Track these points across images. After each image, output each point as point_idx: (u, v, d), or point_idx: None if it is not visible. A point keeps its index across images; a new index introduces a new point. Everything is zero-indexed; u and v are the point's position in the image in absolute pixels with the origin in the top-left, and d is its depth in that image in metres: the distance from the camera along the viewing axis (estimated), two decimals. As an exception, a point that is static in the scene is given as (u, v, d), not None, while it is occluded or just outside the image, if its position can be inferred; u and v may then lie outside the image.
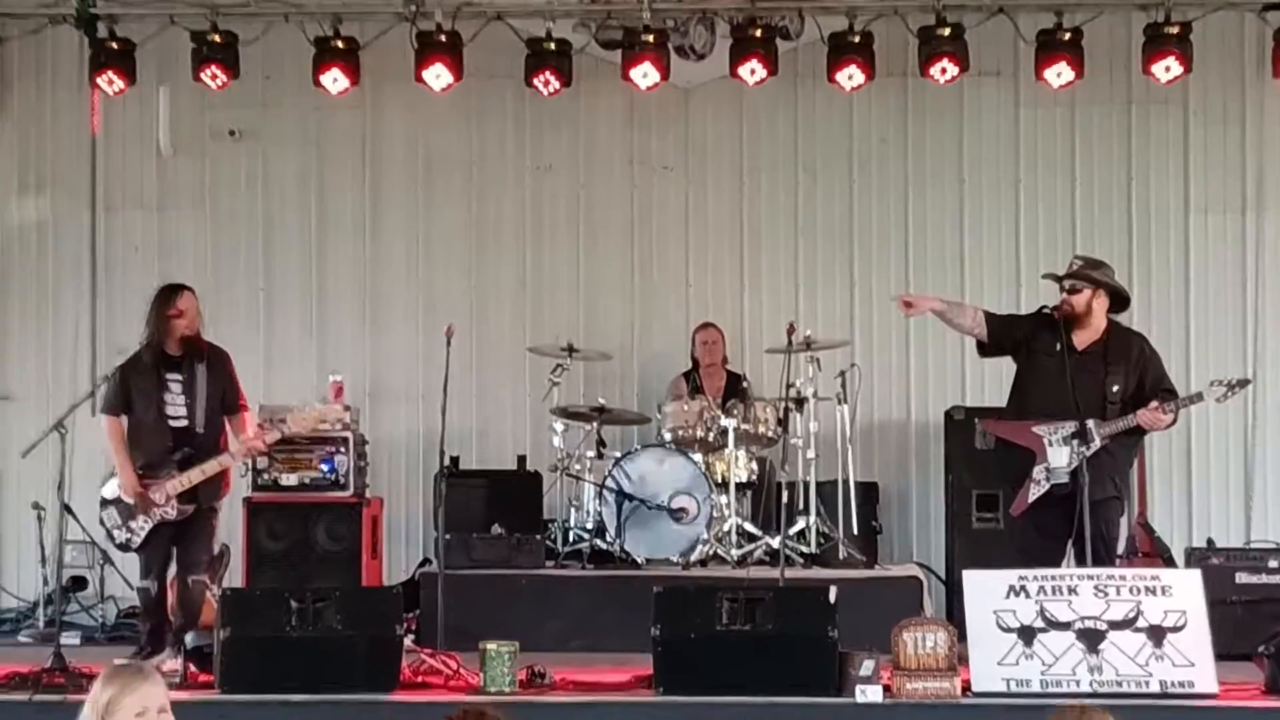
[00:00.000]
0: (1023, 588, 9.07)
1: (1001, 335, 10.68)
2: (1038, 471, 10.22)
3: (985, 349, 10.87)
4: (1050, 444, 10.18)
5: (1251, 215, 13.69)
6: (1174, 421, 10.49)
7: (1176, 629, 8.93)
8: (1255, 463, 13.48)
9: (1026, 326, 10.66)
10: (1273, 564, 11.09)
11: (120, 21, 13.11)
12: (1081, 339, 10.39)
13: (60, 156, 13.98)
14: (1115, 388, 10.28)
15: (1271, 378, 13.58)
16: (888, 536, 13.34)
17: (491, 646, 9.09)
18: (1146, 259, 13.70)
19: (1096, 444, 10.04)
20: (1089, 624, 8.94)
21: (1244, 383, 10.60)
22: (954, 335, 13.23)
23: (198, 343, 10.71)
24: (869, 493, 13.00)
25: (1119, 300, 10.64)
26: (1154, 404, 10.21)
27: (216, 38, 12.88)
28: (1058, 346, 10.29)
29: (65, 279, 13.88)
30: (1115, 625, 8.93)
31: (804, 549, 11.98)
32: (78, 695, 8.90)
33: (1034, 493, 10.22)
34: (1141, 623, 8.94)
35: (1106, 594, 9.03)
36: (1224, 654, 9.20)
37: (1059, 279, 10.51)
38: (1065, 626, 8.94)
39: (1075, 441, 10.02)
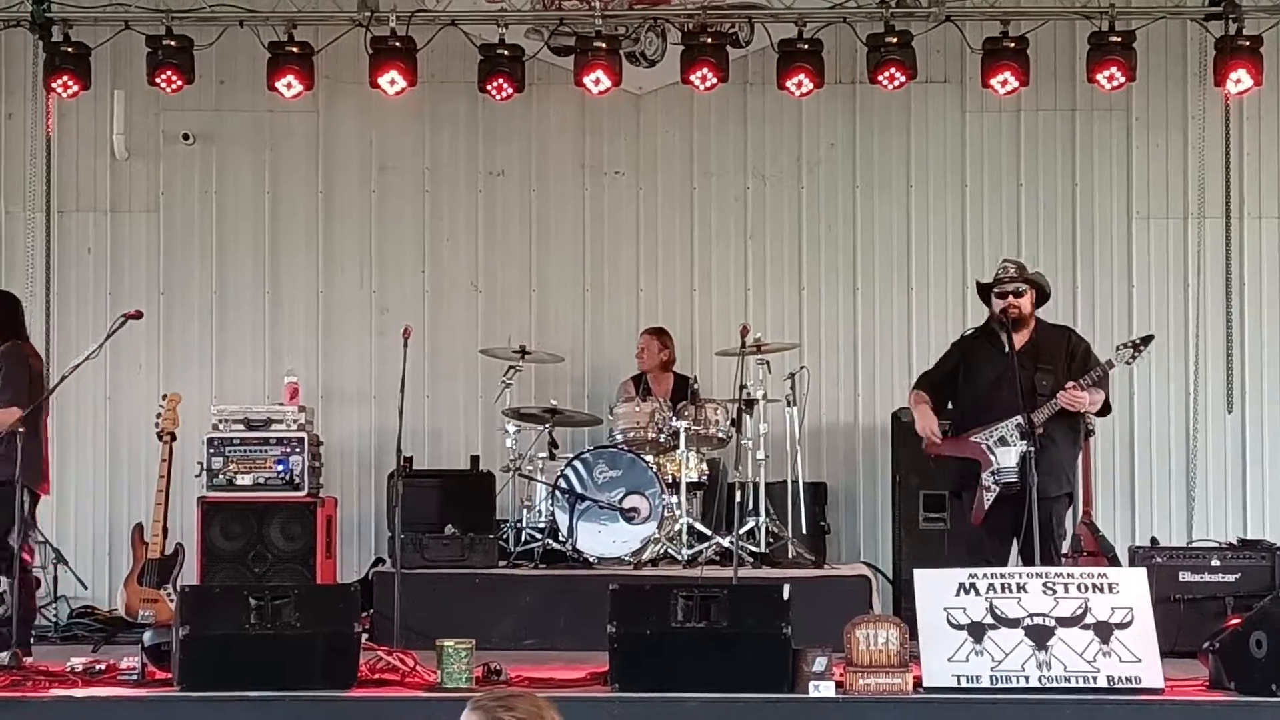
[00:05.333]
0: (972, 585, 9.17)
1: (942, 389, 10.83)
2: (985, 477, 10.37)
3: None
4: (990, 448, 10.35)
5: (1193, 222, 13.86)
6: (1105, 403, 10.68)
7: (1123, 625, 9.03)
8: (1197, 463, 13.67)
9: (955, 356, 10.89)
10: (1215, 562, 11.23)
11: (75, 25, 13.17)
12: (1017, 339, 10.54)
13: (14, 159, 13.97)
14: (1044, 382, 10.40)
15: (1213, 382, 13.77)
16: (836, 536, 13.48)
17: (449, 644, 9.15)
18: (1090, 264, 13.88)
19: (1036, 437, 10.19)
20: (1038, 621, 9.03)
21: (1147, 339, 10.69)
22: (900, 339, 13.57)
23: None
24: (818, 493, 13.14)
25: (1042, 296, 10.85)
26: (1069, 385, 10.39)
27: (171, 42, 12.96)
28: (1004, 350, 10.45)
29: (19, 281, 13.79)
30: (1063, 622, 9.02)
31: (754, 548, 12.10)
32: (35, 693, 9.05)
33: (988, 499, 10.37)
34: (1089, 619, 9.02)
35: (1055, 591, 9.12)
36: (1168, 651, 9.32)
37: (1004, 284, 10.63)
38: (1014, 623, 9.02)
39: (1024, 441, 10.17)
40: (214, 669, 9.06)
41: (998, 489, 10.29)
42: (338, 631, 9.26)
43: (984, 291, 10.84)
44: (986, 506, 10.36)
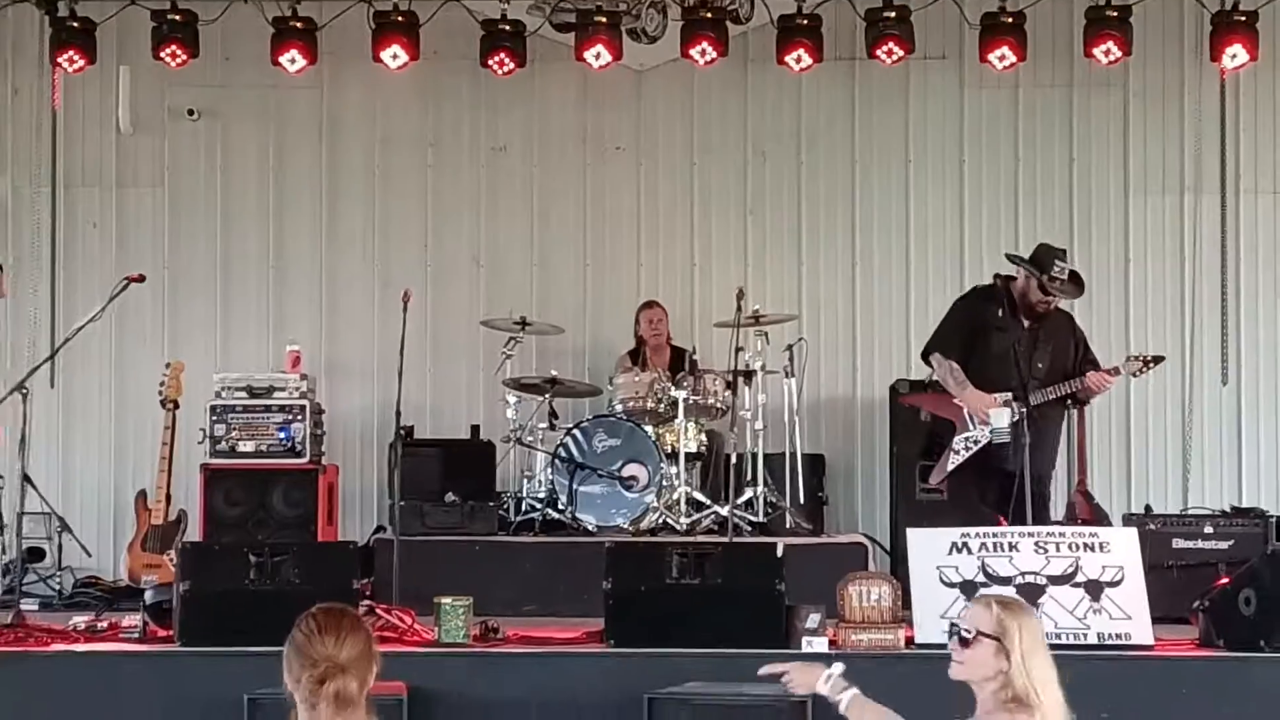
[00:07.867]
0: (964, 544, 9.26)
1: (962, 350, 10.84)
2: (957, 441, 10.53)
3: None
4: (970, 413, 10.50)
5: (1190, 197, 13.93)
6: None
7: (1114, 584, 9.12)
8: (1192, 434, 13.75)
9: (967, 319, 10.93)
10: (1208, 530, 11.19)
11: (80, 1, 13.25)
12: (1029, 320, 10.71)
13: (21, 134, 14.06)
14: (1040, 364, 10.53)
15: (1208, 354, 13.85)
16: (834, 507, 13.53)
17: (446, 600, 9.26)
18: (1087, 239, 13.92)
19: (1031, 404, 10.30)
20: (1029, 579, 9.12)
21: (1158, 359, 10.83)
22: (899, 312, 13.67)
23: None
24: (816, 464, 13.19)
25: None
26: (1104, 370, 10.61)
27: (176, 16, 13.03)
28: (1013, 325, 10.60)
29: (25, 254, 13.97)
30: (1054, 580, 9.12)
31: (752, 518, 12.16)
32: (38, 647, 9.15)
33: (953, 461, 10.53)
34: (1080, 578, 9.12)
35: (1046, 550, 9.22)
36: (1161, 617, 9.42)
37: (1050, 281, 10.70)
38: (1006, 581, 9.11)
39: (1017, 405, 10.28)
40: (214, 625, 9.16)
41: (966, 454, 10.41)
42: (337, 588, 9.29)
43: (1006, 279, 10.91)
44: (950, 468, 10.52)
